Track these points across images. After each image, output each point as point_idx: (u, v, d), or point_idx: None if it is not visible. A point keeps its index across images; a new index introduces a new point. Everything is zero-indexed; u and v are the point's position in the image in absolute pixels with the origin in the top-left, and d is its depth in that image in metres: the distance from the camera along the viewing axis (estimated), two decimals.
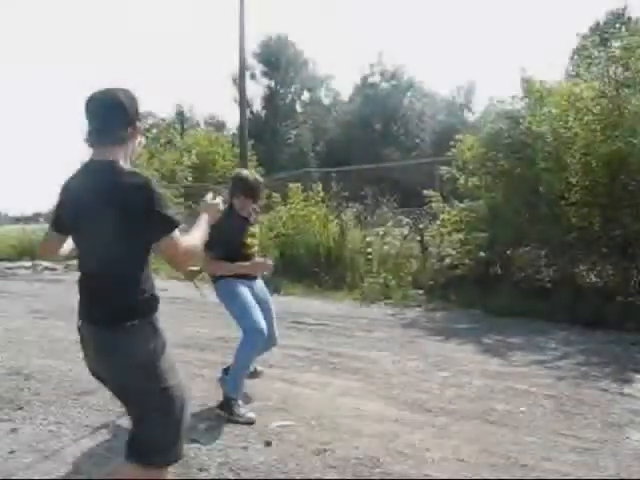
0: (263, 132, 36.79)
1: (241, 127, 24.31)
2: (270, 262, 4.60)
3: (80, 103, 2.39)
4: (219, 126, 41.63)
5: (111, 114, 2.38)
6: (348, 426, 4.13)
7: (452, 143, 9.64)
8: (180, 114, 44.14)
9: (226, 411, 4.28)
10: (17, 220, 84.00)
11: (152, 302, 2.49)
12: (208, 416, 4.34)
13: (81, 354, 5.38)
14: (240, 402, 4.33)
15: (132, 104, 2.44)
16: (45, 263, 15.44)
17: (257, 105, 43.26)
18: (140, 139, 2.57)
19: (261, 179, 4.73)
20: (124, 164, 2.38)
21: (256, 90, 43.53)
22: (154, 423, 2.42)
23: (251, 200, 4.60)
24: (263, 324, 4.33)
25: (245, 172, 4.79)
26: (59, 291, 10.94)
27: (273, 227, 12.04)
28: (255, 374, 5.00)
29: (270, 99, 42.36)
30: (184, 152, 24.58)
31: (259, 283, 4.71)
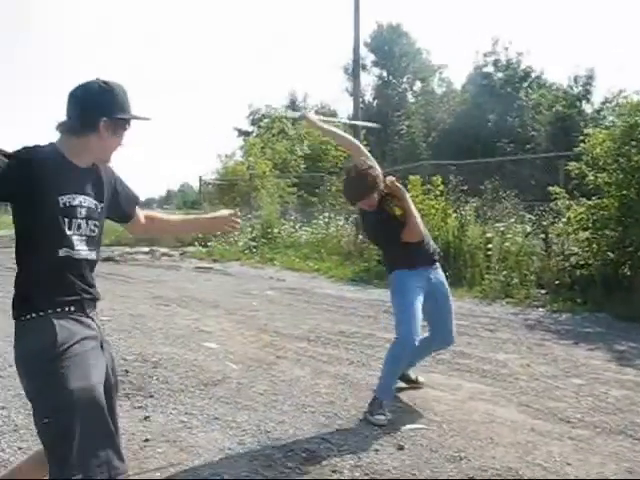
0: (375, 122, 36.29)
1: (354, 118, 24.21)
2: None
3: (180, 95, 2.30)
4: (330, 115, 41.67)
5: (69, 104, 2.29)
6: (481, 433, 3.93)
7: (581, 138, 9.11)
8: (293, 104, 44.51)
9: (367, 409, 4.19)
10: None
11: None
12: (337, 413, 4.26)
13: (206, 343, 5.43)
14: (384, 404, 4.20)
15: (95, 98, 2.28)
16: (162, 249, 15.94)
17: (368, 95, 43.15)
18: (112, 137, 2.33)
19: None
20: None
21: (368, 80, 43.49)
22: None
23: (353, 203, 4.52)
24: (416, 336, 4.16)
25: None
26: (177, 278, 11.24)
27: None
28: (413, 382, 4.82)
29: (382, 89, 42.04)
30: (296, 142, 24.79)
31: (438, 274, 4.45)
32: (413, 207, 4.30)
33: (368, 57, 42.48)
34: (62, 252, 2.24)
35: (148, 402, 4.42)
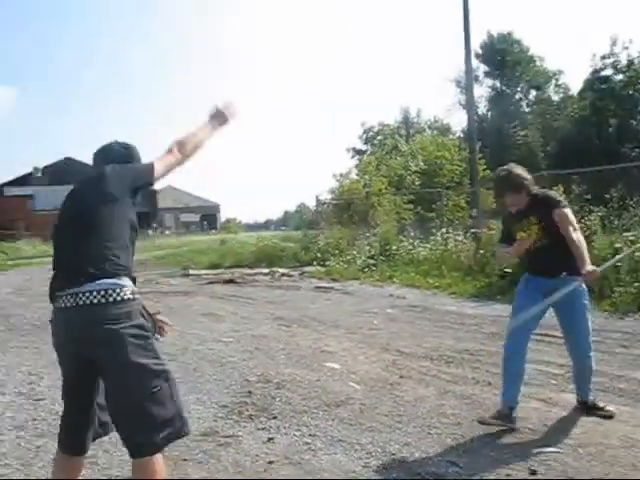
0: (489, 134, 35.80)
1: (469, 132, 23.75)
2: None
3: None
4: (443, 130, 41.26)
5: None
6: (622, 458, 3.63)
7: None
8: (406, 120, 44.42)
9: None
10: (250, 227, 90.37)
11: None
12: (464, 435, 4.08)
13: (328, 363, 5.36)
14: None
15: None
16: (282, 270, 16.16)
17: (482, 107, 42.35)
18: None
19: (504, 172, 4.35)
20: None
21: (480, 91, 42.66)
22: None
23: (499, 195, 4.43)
24: (516, 332, 4.27)
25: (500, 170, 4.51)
26: (298, 298, 11.30)
27: None
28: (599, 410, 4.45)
29: (495, 100, 41.12)
30: (410, 157, 24.61)
31: (565, 284, 4.16)
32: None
33: (481, 68, 41.77)
34: None
35: (272, 423, 4.40)
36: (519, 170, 4.32)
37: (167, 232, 66.77)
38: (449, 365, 5.98)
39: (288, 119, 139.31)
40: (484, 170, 28.30)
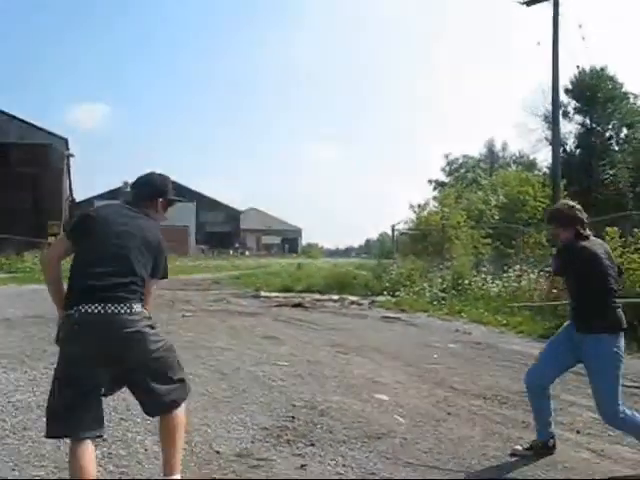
0: (577, 172, 34.77)
1: (553, 168, 23.31)
2: None
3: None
4: (529, 165, 40.43)
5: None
6: None
7: None
8: (491, 153, 43.79)
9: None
10: (331, 253, 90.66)
11: None
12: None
13: (378, 394, 5.31)
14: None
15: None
16: (352, 297, 16.12)
17: (570, 143, 41.20)
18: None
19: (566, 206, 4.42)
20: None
21: (569, 128, 41.60)
22: None
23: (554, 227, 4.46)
24: (534, 378, 4.39)
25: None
26: (362, 326, 11.24)
27: None
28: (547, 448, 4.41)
29: (584, 137, 39.91)
30: (491, 192, 24.24)
31: (588, 343, 4.06)
32: None
33: (570, 104, 40.72)
34: None
35: (308, 450, 4.37)
36: (572, 205, 4.39)
37: (247, 253, 67.94)
38: (502, 406, 5.80)
39: (374, 146, 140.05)
40: None
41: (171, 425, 3.38)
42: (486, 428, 5.04)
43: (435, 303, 14.27)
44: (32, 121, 38.67)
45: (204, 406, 5.37)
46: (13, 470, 3.80)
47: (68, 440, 3.15)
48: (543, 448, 4.35)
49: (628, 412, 4.09)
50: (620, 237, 10.96)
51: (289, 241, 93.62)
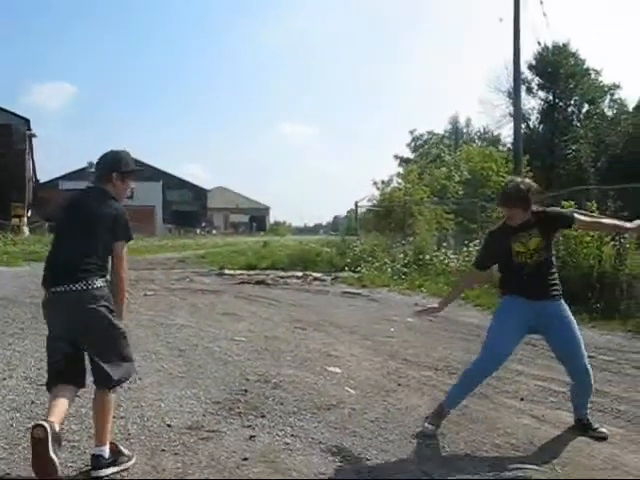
0: (540, 147, 35.32)
1: (515, 143, 23.60)
2: None
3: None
4: (493, 141, 40.85)
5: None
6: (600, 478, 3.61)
7: None
8: (455, 130, 44.11)
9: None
10: (299, 231, 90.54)
11: None
12: (446, 446, 4.13)
13: (331, 367, 5.40)
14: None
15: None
16: (315, 274, 16.23)
17: (533, 119, 41.73)
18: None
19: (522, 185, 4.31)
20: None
21: (533, 103, 42.06)
22: None
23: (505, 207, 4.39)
24: (502, 346, 4.33)
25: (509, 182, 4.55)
26: (322, 302, 11.37)
27: None
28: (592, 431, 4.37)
29: (547, 113, 40.45)
30: (454, 168, 24.48)
31: (556, 308, 4.27)
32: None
33: (534, 80, 41.14)
34: None
35: (258, 422, 4.48)
36: (530, 184, 4.34)
37: (214, 232, 67.60)
38: (451, 376, 5.95)
39: (341, 122, 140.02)
40: None
41: (105, 400, 3.59)
42: (434, 397, 5.17)
43: (396, 278, 14.44)
44: None
45: (159, 382, 5.46)
46: None
47: (17, 415, 3.29)
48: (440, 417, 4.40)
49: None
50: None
51: (257, 219, 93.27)
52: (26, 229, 31.58)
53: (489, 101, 43.21)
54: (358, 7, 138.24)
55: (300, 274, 16.32)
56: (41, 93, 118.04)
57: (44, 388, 5.04)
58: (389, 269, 15.27)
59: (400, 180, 24.27)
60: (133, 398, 4.95)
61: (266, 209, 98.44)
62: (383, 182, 22.72)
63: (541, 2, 23.01)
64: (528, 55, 39.55)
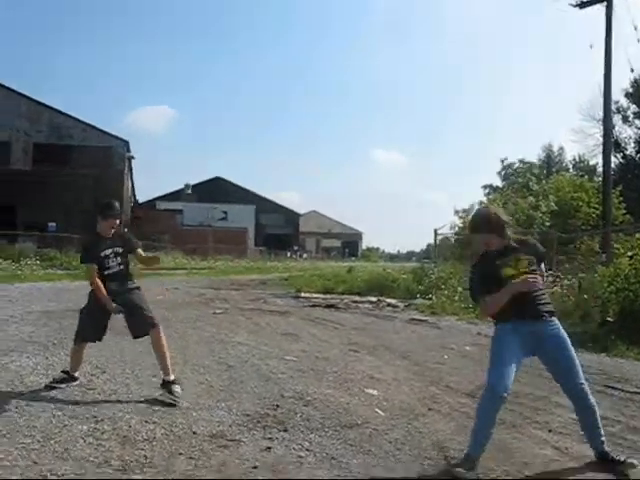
0: (636, 178, 34.10)
1: (604, 173, 22.99)
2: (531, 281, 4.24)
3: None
4: (588, 170, 39.69)
5: None
6: None
7: None
8: (548, 158, 43.11)
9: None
10: (392, 257, 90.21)
11: None
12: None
13: (369, 389, 5.55)
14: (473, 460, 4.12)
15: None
16: (389, 300, 16.30)
17: (630, 149, 40.24)
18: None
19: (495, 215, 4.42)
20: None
21: (629, 132, 40.63)
22: None
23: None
24: (502, 385, 4.20)
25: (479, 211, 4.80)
26: (386, 328, 11.45)
27: (614, 281, 11.07)
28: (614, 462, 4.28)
29: None
30: (541, 197, 23.99)
31: (548, 328, 4.31)
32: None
33: (630, 108, 39.77)
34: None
35: (279, 435, 4.68)
36: (497, 211, 4.49)
37: (305, 256, 68.52)
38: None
39: (436, 150, 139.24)
40: (624, 215, 27.03)
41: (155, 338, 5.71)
42: (461, 424, 5.22)
43: (465, 307, 14.32)
44: (95, 124, 40.28)
45: (198, 393, 5.77)
46: (2, 437, 4.26)
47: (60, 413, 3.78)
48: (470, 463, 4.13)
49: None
50: None
51: (349, 244, 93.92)
52: None
53: (582, 130, 42.07)
54: (455, 38, 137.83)
55: (374, 299, 16.45)
56: (142, 116, 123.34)
57: (91, 392, 5.52)
58: (456, 297, 15.16)
59: None
60: (169, 405, 5.28)
61: (359, 235, 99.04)
62: (464, 210, 22.59)
63: (635, 28, 22.48)
64: (624, 83, 38.48)
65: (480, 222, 4.45)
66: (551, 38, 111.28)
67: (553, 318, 4.33)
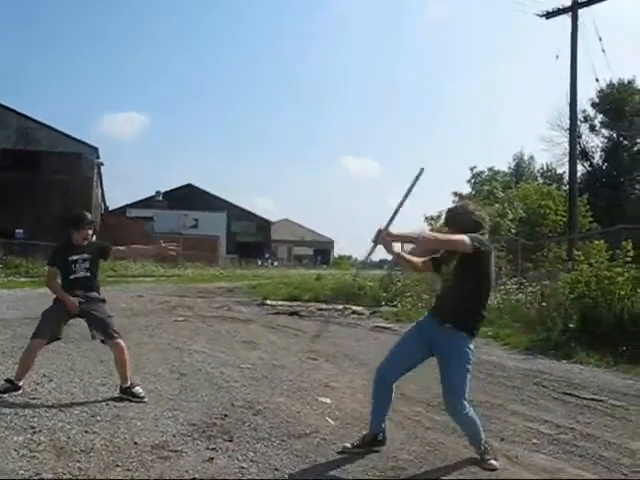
0: (603, 186, 34.59)
1: (570, 181, 23.29)
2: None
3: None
4: (556, 179, 40.13)
5: None
6: None
7: None
8: (517, 166, 43.53)
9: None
10: (364, 265, 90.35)
11: None
12: None
13: (322, 398, 5.46)
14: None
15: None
16: (356, 307, 16.22)
17: (597, 157, 40.82)
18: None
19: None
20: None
21: (596, 141, 41.20)
22: None
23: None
24: (386, 369, 4.60)
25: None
26: (348, 335, 11.38)
27: (574, 288, 11.13)
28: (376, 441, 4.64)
29: (611, 151, 39.54)
30: (508, 205, 24.08)
31: (445, 336, 4.29)
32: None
33: (597, 117, 40.36)
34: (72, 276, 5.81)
35: (224, 445, 4.57)
36: (472, 208, 4.43)
37: (276, 263, 68.28)
38: (440, 413, 5.91)
39: (410, 162, 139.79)
40: (590, 222, 27.33)
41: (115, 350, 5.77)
42: (412, 433, 5.17)
43: None
44: (64, 130, 39.81)
45: (147, 402, 5.62)
46: None
47: None
48: (373, 442, 4.58)
49: (471, 410, 4.39)
50: (607, 250, 10.98)
51: (321, 252, 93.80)
52: None
53: (550, 139, 42.52)
54: (413, 48, 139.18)
55: (340, 307, 16.35)
56: (112, 123, 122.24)
57: (33, 401, 5.34)
58: (426, 304, 15.13)
59: None
60: (113, 414, 5.14)
61: (330, 242, 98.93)
62: (432, 217, 22.59)
63: (600, 39, 22.78)
64: (591, 92, 39.01)
65: (447, 216, 4.52)
66: (520, 47, 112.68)
67: (457, 330, 4.27)
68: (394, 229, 4.18)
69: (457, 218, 4.39)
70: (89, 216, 6.11)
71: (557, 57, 22.08)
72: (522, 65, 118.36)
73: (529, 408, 6.29)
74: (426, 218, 23.25)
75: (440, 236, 4.33)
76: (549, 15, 22.58)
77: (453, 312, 4.24)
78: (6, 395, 5.45)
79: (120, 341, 5.78)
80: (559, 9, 21.95)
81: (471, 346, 4.29)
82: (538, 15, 22.63)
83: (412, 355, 4.51)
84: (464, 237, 4.09)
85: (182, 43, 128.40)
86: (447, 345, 4.30)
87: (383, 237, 4.13)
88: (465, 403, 4.34)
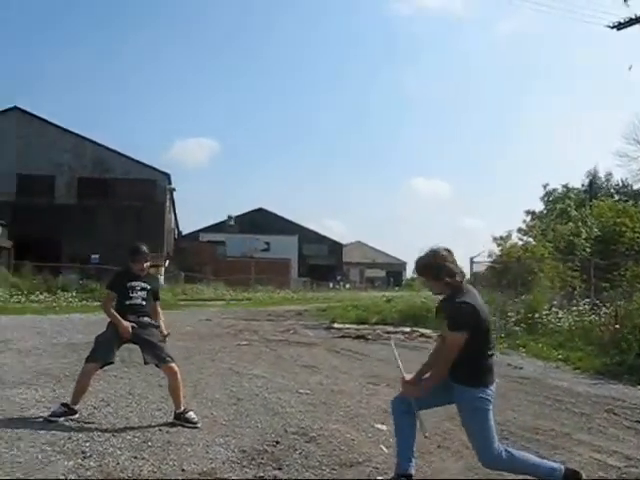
0: None
1: None
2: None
3: None
4: (632, 195, 38.67)
5: None
6: None
7: None
8: (591, 183, 42.23)
9: None
10: None
11: None
12: None
13: (378, 424, 5.37)
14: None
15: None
16: (423, 330, 15.92)
17: None
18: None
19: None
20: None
21: None
22: None
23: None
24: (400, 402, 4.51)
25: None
26: (412, 358, 11.11)
27: None
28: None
29: None
30: (581, 223, 23.37)
31: (459, 392, 4.15)
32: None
33: None
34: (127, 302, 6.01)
35: (272, 474, 4.50)
36: (444, 254, 4.17)
37: (347, 286, 68.05)
38: (504, 442, 5.65)
39: (476, 177, 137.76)
40: None
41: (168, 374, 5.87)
42: (469, 463, 4.97)
43: (502, 336, 13.90)
44: (137, 157, 41.11)
45: (200, 427, 5.59)
46: None
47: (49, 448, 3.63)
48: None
49: (505, 452, 4.11)
50: None
51: (393, 274, 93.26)
52: (162, 278, 33.30)
53: (626, 153, 41.03)
54: (489, 68, 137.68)
55: (408, 330, 16.12)
56: (184, 148, 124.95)
57: (87, 425, 5.40)
58: (495, 327, 14.75)
59: (520, 235, 23.52)
60: (164, 440, 5.13)
61: (402, 264, 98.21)
62: (501, 237, 22.10)
63: None
64: None
65: (417, 266, 4.31)
66: (593, 60, 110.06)
67: (463, 386, 4.11)
68: None
69: (427, 270, 4.21)
70: (145, 249, 6.23)
71: (630, 68, 21.45)
72: (594, 80, 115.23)
73: (598, 437, 5.97)
74: (494, 239, 22.80)
75: (442, 361, 4.19)
76: (620, 26, 21.95)
77: (454, 370, 4.08)
78: (62, 419, 5.52)
79: (173, 365, 5.82)
80: (631, 19, 21.29)
81: (482, 394, 4.07)
82: (609, 27, 22.04)
83: (433, 395, 4.30)
84: (454, 340, 4.00)
85: (249, 66, 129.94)
86: (459, 402, 4.21)
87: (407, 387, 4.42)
88: (495, 448, 4.11)
